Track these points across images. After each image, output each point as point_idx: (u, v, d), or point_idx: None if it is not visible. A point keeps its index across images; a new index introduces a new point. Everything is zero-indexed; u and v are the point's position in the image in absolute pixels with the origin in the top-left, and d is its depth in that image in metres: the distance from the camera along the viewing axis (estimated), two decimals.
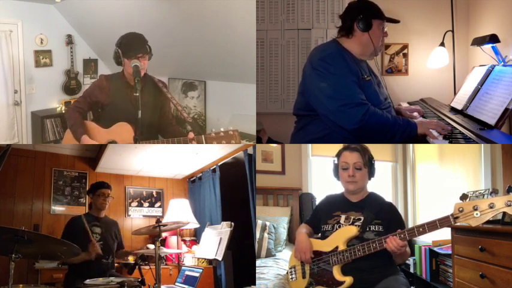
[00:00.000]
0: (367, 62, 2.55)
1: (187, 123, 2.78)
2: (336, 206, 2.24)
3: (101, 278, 2.54)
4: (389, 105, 2.51)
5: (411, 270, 3.64)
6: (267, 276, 2.62)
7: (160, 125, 2.89)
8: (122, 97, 2.75)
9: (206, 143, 2.46)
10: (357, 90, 2.27)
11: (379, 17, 2.41)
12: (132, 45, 2.67)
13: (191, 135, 2.46)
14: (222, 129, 2.44)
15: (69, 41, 4.66)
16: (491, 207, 1.70)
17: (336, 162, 2.28)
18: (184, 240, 4.22)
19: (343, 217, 2.18)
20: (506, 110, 2.24)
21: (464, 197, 1.82)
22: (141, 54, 2.65)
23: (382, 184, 4.45)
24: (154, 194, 4.70)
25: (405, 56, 3.78)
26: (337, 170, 2.27)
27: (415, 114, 2.76)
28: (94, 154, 4.24)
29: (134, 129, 2.64)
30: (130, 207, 4.51)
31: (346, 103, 2.22)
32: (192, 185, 4.57)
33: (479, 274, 2.06)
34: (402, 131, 2.26)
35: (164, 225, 2.67)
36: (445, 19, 3.58)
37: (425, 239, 3.46)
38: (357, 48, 2.41)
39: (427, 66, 3.62)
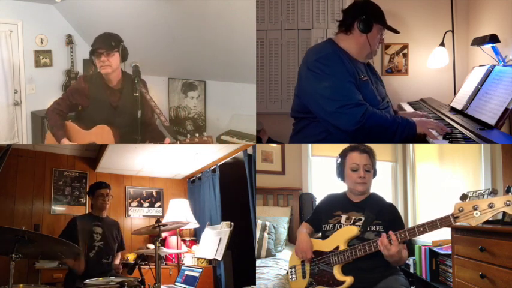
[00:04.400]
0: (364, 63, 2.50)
1: (164, 127, 2.77)
2: (337, 205, 2.25)
3: (101, 278, 2.54)
4: (388, 106, 2.48)
5: (411, 270, 3.64)
6: (267, 276, 2.62)
7: (140, 124, 2.85)
8: (100, 98, 2.76)
9: None
10: (355, 90, 2.24)
11: (381, 23, 2.38)
12: (96, 42, 2.70)
13: (167, 141, 2.52)
14: (197, 135, 2.46)
15: (69, 41, 4.66)
16: (491, 207, 1.70)
17: (339, 161, 2.27)
18: (184, 240, 4.22)
19: (343, 217, 2.18)
20: (506, 110, 2.24)
21: (464, 197, 1.82)
22: (103, 51, 2.65)
23: (382, 184, 4.45)
24: (154, 194, 4.70)
25: (405, 56, 3.78)
26: (340, 170, 2.26)
27: None
28: (94, 154, 4.24)
29: (114, 130, 2.65)
30: (130, 207, 4.51)
31: (344, 104, 2.18)
32: (192, 185, 4.57)
33: (479, 274, 2.06)
34: (401, 130, 2.24)
35: (164, 225, 2.67)
36: (445, 19, 3.58)
37: (425, 239, 3.46)
38: (353, 47, 2.38)
39: (427, 66, 3.63)
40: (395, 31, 2.45)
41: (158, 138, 2.83)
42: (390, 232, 1.90)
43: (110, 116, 2.69)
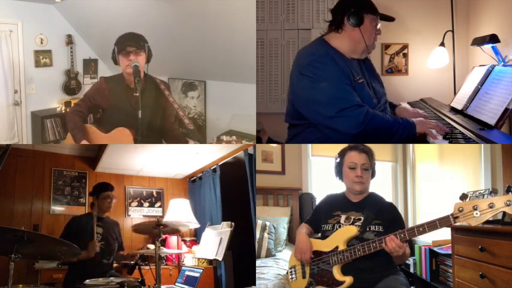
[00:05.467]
0: (359, 61, 2.41)
1: (188, 130, 2.69)
2: (336, 205, 2.24)
3: (101, 278, 2.54)
4: (385, 107, 2.42)
5: (411, 270, 3.64)
6: (267, 276, 2.62)
7: (162, 129, 2.83)
8: (122, 100, 2.70)
9: None
10: (352, 92, 2.18)
11: (372, 13, 2.29)
12: (125, 40, 2.64)
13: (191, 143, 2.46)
14: (224, 138, 2.41)
15: (69, 41, 4.66)
16: (490, 207, 1.70)
17: (338, 160, 2.27)
18: (184, 241, 4.22)
19: (343, 217, 2.18)
20: (506, 110, 2.23)
21: (464, 196, 1.82)
22: (133, 49, 2.59)
23: (382, 184, 4.45)
24: (154, 193, 4.69)
25: (405, 56, 3.78)
26: (339, 169, 2.26)
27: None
28: (94, 154, 4.24)
29: (134, 133, 2.60)
30: (130, 207, 4.51)
31: (344, 107, 2.13)
32: (192, 184, 4.57)
33: (479, 274, 2.06)
34: (402, 131, 2.22)
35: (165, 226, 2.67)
36: (445, 19, 3.58)
37: (425, 239, 3.46)
38: (346, 45, 2.31)
39: (427, 66, 3.62)
40: (390, 18, 2.37)
41: (182, 140, 2.78)
42: (392, 236, 1.90)
43: (131, 119, 2.60)
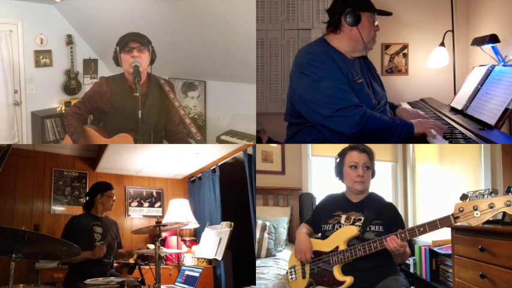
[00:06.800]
0: (360, 60, 2.42)
1: (196, 141, 2.63)
2: (336, 205, 2.24)
3: (101, 278, 2.54)
4: (385, 109, 2.41)
5: (411, 270, 3.64)
6: (267, 276, 2.62)
7: (166, 131, 2.79)
8: (124, 103, 2.62)
9: None
10: (350, 92, 2.18)
11: (369, 9, 2.28)
12: (128, 37, 2.58)
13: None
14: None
15: (69, 41, 4.66)
16: (491, 207, 1.70)
17: (338, 161, 2.27)
18: (184, 240, 4.22)
19: (343, 217, 2.18)
20: (506, 110, 2.24)
21: (464, 197, 1.82)
22: (137, 45, 2.53)
23: (382, 184, 4.45)
24: (154, 194, 4.70)
25: (405, 56, 3.78)
26: (339, 169, 2.26)
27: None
28: (94, 154, 4.24)
29: (135, 137, 2.57)
30: (130, 207, 4.51)
31: (342, 107, 2.12)
32: (192, 185, 4.58)
33: (479, 274, 2.07)
34: (400, 132, 2.21)
35: (164, 226, 2.67)
36: (445, 19, 3.58)
37: (425, 239, 3.46)
38: (346, 44, 2.30)
39: (427, 66, 3.62)
40: (387, 13, 2.34)
41: (186, 143, 2.75)
42: (393, 236, 1.91)
43: (134, 123, 2.51)
